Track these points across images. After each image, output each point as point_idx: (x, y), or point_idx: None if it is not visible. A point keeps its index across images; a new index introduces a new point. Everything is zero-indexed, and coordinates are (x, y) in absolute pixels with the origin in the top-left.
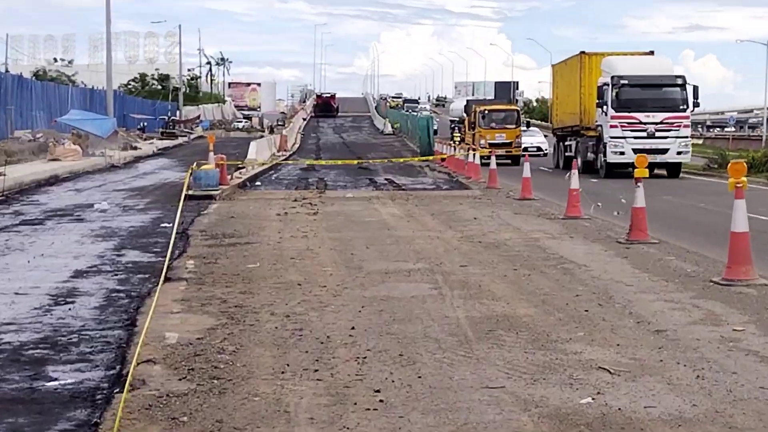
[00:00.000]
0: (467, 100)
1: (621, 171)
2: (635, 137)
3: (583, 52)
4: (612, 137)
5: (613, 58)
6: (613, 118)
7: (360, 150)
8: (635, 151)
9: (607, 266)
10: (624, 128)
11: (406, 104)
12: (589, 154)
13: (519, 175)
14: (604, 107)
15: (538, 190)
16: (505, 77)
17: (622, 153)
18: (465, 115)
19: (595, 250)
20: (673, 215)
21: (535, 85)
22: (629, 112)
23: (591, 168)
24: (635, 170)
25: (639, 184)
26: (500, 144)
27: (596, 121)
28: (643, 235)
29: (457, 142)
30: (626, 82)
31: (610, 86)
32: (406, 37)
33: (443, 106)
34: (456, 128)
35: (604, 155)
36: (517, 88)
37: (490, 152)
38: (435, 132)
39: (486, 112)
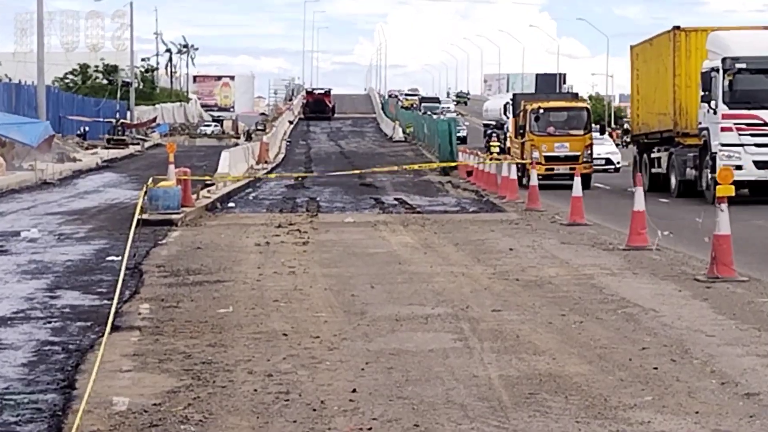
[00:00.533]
0: (513, 95)
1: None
2: (758, 144)
3: (677, 28)
4: (724, 144)
5: (725, 33)
6: (725, 117)
7: (362, 162)
8: (759, 164)
9: (682, 311)
10: (741, 131)
11: (423, 104)
12: (688, 170)
13: (568, 194)
14: (712, 103)
15: (592, 213)
16: (549, 68)
17: (738, 167)
18: (506, 117)
19: (667, 289)
20: None
21: (587, 77)
22: (749, 109)
23: (692, 190)
24: (717, 187)
25: (722, 205)
26: (562, 158)
27: (699, 123)
28: (728, 271)
29: (495, 154)
30: (744, 66)
31: (721, 72)
32: (421, 18)
33: (465, 104)
34: (493, 135)
35: (713, 171)
36: (564, 82)
37: (548, 171)
38: (463, 140)
39: (542, 111)
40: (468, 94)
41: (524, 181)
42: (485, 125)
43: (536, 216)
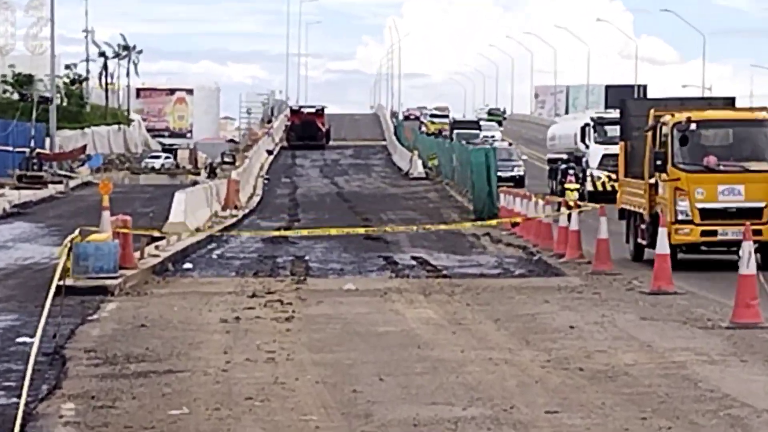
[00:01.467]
0: (649, 101)
1: None
2: None
3: None
4: None
5: None
6: None
7: (368, 207)
8: None
9: None
10: None
11: (456, 130)
12: None
13: (586, 228)
14: None
15: (683, 276)
16: (623, 77)
17: None
18: (585, 145)
19: None
20: None
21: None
22: None
23: None
24: None
25: None
26: (733, 212)
27: None
28: None
29: (573, 200)
30: None
31: None
32: (447, 10)
33: (500, 124)
34: (568, 173)
35: None
36: (645, 96)
37: (706, 237)
38: (519, 181)
39: (694, 127)
40: (504, 111)
41: (635, 245)
42: (552, 160)
43: (606, 281)
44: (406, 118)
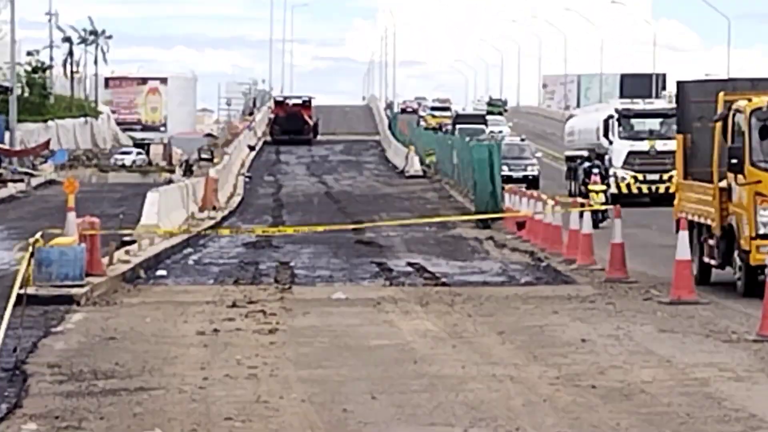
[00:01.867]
0: (713, 83)
1: None
2: None
3: None
4: None
5: None
6: None
7: (359, 208)
8: None
9: None
10: None
11: (459, 125)
12: None
13: (665, 255)
14: None
15: (705, 285)
16: (640, 65)
17: None
18: (609, 140)
19: None
20: None
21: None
22: None
23: None
24: None
25: None
26: None
27: None
28: None
29: (597, 202)
30: None
31: None
32: None
33: (501, 114)
34: (593, 171)
35: None
36: (664, 87)
37: None
38: (533, 181)
39: None
40: (505, 102)
41: (700, 264)
42: (570, 157)
43: (622, 290)
44: (403, 111)
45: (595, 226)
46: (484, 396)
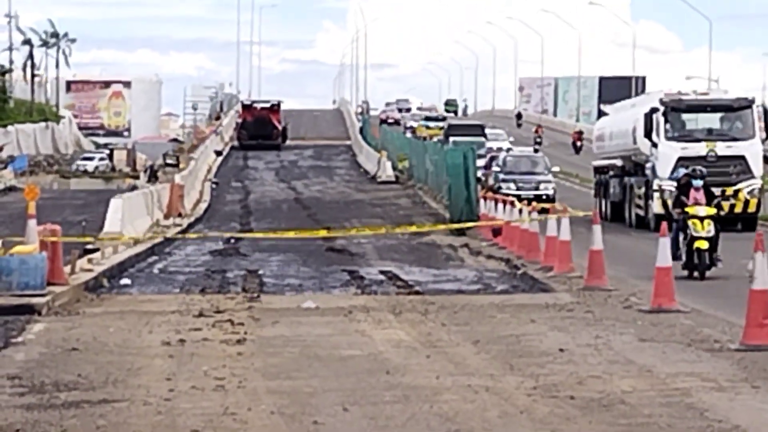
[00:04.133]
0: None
1: None
2: None
3: None
4: None
5: None
6: None
7: (330, 214)
8: None
9: None
10: None
11: (452, 137)
12: None
13: (644, 261)
14: None
15: (688, 293)
16: (619, 68)
17: None
18: (654, 144)
19: None
20: None
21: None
22: None
23: None
24: None
25: None
26: None
27: None
28: None
29: (704, 236)
30: None
31: None
32: None
33: (456, 113)
34: (690, 184)
35: None
36: (644, 90)
37: None
38: (547, 199)
39: None
40: (463, 102)
41: None
42: (600, 168)
43: (601, 298)
44: (383, 122)
45: (701, 275)
46: (459, 407)
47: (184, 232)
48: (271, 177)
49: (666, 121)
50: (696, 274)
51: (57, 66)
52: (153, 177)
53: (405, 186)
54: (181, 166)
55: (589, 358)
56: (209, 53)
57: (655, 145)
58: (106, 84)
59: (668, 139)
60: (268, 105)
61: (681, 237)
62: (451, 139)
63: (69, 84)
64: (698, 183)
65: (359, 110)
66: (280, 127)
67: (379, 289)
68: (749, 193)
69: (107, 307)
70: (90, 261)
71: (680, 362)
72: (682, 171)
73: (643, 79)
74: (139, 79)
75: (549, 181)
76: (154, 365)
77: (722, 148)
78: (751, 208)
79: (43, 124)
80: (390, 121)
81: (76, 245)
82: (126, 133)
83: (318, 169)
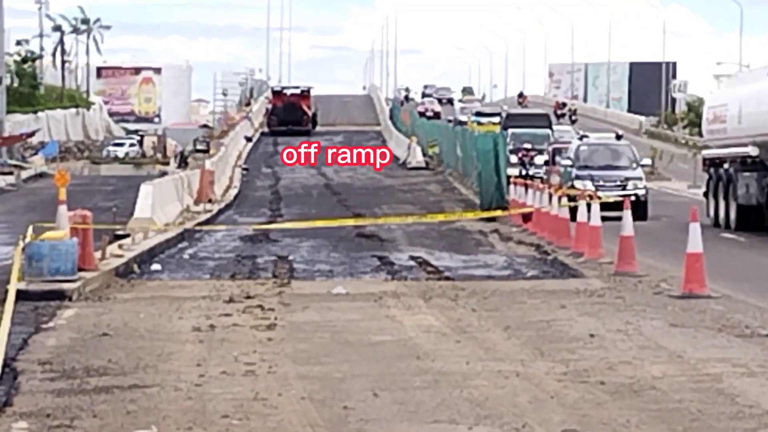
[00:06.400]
0: None
1: None
2: None
3: None
4: None
5: None
6: None
7: (360, 200)
8: None
9: None
10: None
11: (512, 128)
12: None
13: (674, 248)
14: None
15: (719, 278)
16: (649, 53)
17: None
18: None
19: None
20: None
21: (710, 68)
22: None
23: None
24: None
25: None
26: None
27: None
28: None
29: None
30: None
31: None
32: None
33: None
34: None
35: None
36: (675, 76)
37: None
38: (640, 204)
39: None
40: (493, 87)
41: None
42: (715, 160)
43: (631, 283)
44: (422, 115)
45: None
46: (489, 393)
47: (214, 218)
48: None
49: None
50: None
51: (87, 53)
52: (183, 163)
53: (435, 172)
54: (211, 152)
55: (619, 343)
56: (239, 39)
57: None
58: (137, 70)
59: None
60: (298, 91)
61: None
62: (510, 131)
63: (99, 70)
64: None
65: (401, 95)
66: (310, 113)
67: (409, 275)
68: None
69: (138, 292)
70: (120, 247)
71: (711, 348)
72: None
73: (674, 64)
74: (170, 66)
75: (639, 178)
76: (185, 351)
77: None
78: None
79: (73, 110)
80: (429, 114)
81: (106, 231)
82: (156, 119)
83: None
